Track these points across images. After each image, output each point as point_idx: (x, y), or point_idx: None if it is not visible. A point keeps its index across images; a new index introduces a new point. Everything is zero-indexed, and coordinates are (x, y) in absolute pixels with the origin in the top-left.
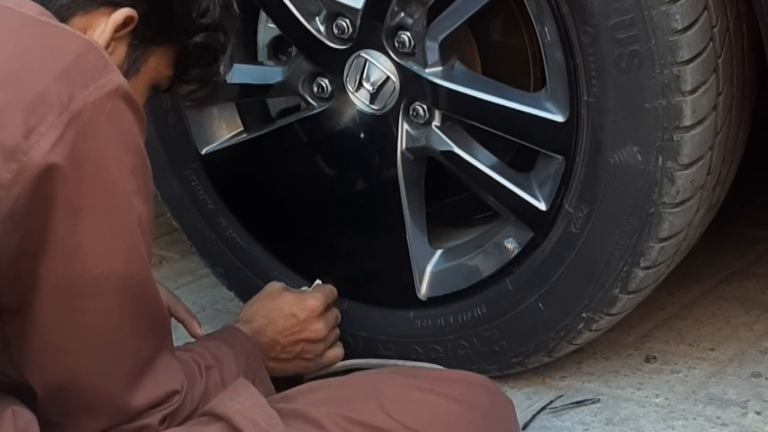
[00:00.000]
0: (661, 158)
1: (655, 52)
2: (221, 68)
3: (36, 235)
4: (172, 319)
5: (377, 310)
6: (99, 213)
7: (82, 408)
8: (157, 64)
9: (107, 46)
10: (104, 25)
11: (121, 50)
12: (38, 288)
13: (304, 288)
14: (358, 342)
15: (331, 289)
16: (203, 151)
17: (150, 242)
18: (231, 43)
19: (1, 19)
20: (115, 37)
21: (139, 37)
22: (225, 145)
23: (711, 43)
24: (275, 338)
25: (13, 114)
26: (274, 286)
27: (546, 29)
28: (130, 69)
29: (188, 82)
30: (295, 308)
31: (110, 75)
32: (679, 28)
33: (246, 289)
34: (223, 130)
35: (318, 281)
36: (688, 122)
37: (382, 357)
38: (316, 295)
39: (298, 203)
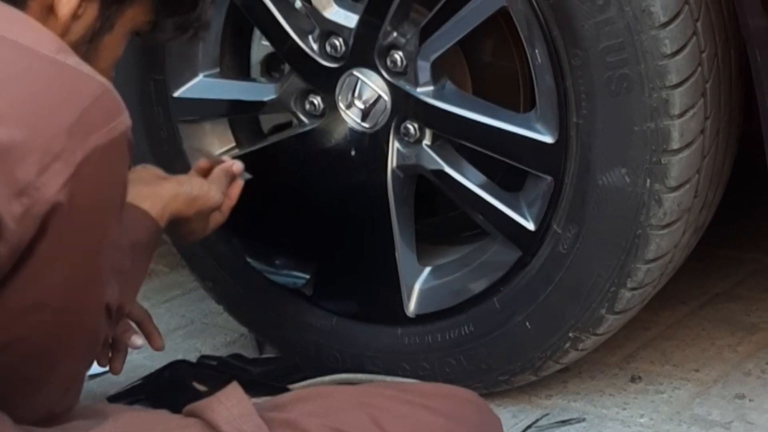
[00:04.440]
0: (649, 180)
1: (645, 76)
2: (203, 13)
3: (19, 257)
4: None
5: (365, 327)
6: (79, 246)
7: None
8: (133, 16)
9: (78, 7)
10: None
11: (93, 9)
12: None
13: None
14: (345, 358)
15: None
16: None
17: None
18: None
19: (20, 59)
20: None
21: None
22: None
23: (699, 68)
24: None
25: (30, 151)
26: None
27: (537, 51)
28: (103, 26)
29: (167, 30)
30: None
31: (120, 117)
32: (669, 52)
33: (235, 303)
34: (216, 145)
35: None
36: (676, 145)
37: (369, 373)
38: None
39: (288, 219)
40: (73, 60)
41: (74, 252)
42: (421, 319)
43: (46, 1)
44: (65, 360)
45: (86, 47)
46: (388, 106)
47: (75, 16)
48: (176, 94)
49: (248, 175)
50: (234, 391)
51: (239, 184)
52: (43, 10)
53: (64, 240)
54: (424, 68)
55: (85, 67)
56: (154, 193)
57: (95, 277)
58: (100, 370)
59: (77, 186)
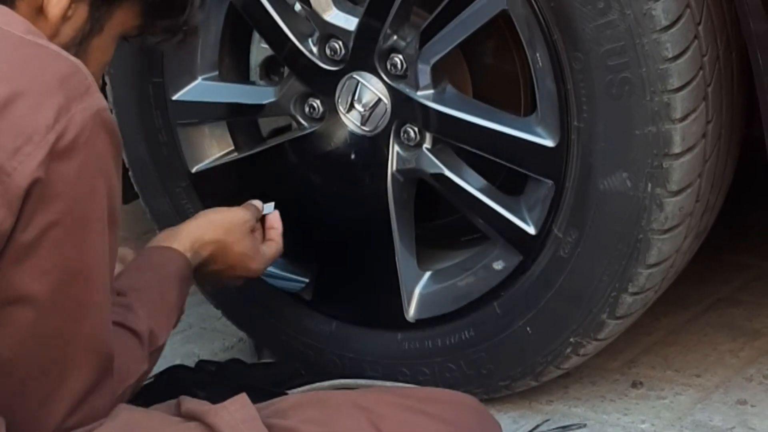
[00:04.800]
0: (650, 185)
1: (646, 79)
2: (192, 17)
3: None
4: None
5: (365, 331)
6: (59, 237)
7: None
8: (123, 18)
9: (68, 9)
10: None
11: (83, 10)
12: None
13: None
14: (345, 362)
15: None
16: (194, 170)
17: (110, 264)
18: None
19: None
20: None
21: None
22: (216, 163)
23: (701, 72)
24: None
25: (0, 134)
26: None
27: (537, 54)
28: (92, 29)
29: (156, 33)
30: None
31: (92, 98)
32: (670, 56)
33: (234, 307)
34: (214, 148)
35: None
36: (677, 149)
37: (369, 378)
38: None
39: (288, 224)
40: (43, 41)
41: (54, 243)
42: (421, 323)
43: (36, 2)
44: (74, 376)
45: (75, 49)
46: (388, 109)
47: (65, 17)
48: (175, 97)
49: (272, 204)
50: (239, 397)
51: (275, 214)
52: (32, 11)
53: (40, 226)
54: (424, 71)
55: (55, 47)
56: (170, 234)
57: (84, 279)
58: None
59: (52, 169)
